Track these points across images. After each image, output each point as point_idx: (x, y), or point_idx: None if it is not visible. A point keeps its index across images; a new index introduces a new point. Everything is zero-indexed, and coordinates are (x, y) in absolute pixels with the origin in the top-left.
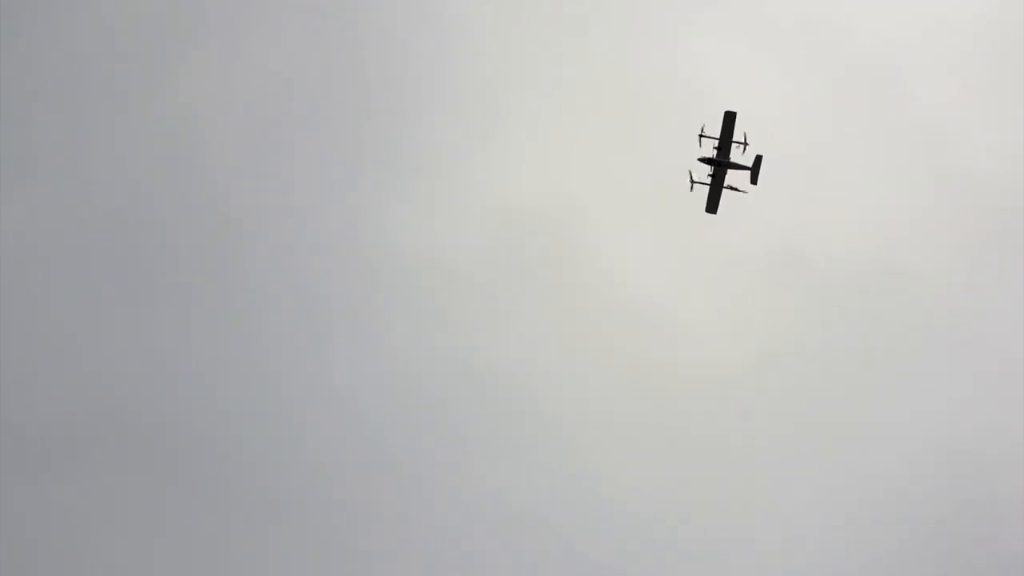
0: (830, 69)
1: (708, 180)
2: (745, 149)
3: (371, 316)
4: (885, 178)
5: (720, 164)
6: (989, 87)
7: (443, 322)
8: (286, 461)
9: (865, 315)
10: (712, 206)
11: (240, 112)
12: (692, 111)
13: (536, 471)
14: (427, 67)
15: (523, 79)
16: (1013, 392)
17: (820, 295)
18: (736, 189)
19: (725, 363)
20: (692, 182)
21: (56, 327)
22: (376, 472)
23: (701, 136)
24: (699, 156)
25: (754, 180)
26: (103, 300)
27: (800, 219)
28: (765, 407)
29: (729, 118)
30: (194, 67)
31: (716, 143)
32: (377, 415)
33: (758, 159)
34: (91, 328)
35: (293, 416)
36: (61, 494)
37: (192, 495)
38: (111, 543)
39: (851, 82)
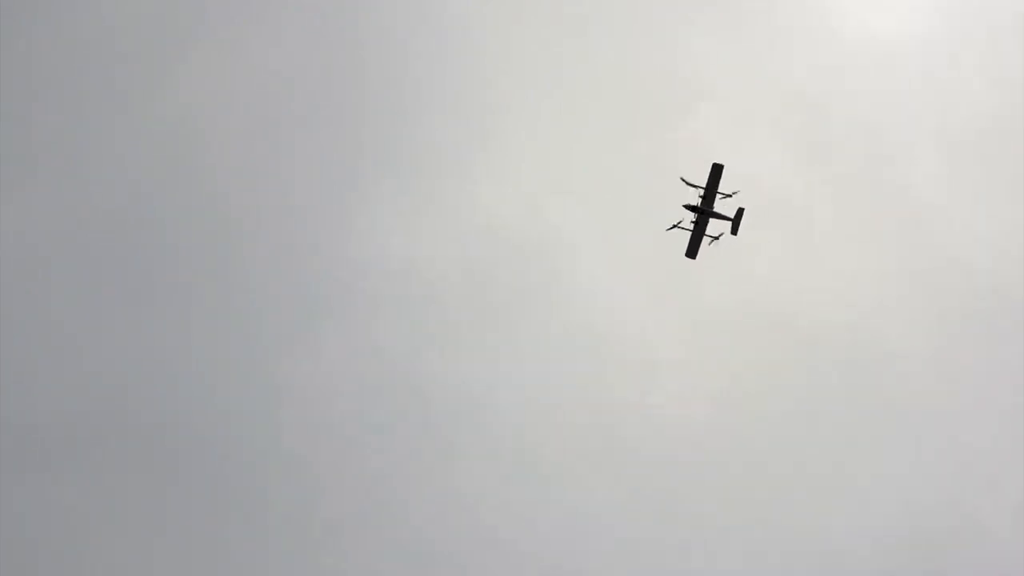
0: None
1: (691, 226)
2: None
3: (372, 316)
4: (869, 246)
5: (703, 212)
6: (982, 170)
7: (443, 322)
8: (286, 461)
9: (842, 379)
10: (692, 251)
11: (240, 112)
12: (692, 111)
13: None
14: (427, 67)
15: (523, 79)
16: (983, 469)
17: (796, 354)
18: (716, 238)
19: (697, 400)
20: (675, 227)
21: (56, 327)
22: (376, 473)
23: (687, 184)
24: (684, 203)
25: (735, 231)
26: (103, 300)
27: (784, 275)
28: (733, 457)
29: (716, 170)
30: (194, 67)
31: (701, 191)
32: (378, 416)
33: (740, 212)
34: (91, 328)
35: (293, 417)
36: (61, 494)
37: (192, 495)
38: (111, 543)
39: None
